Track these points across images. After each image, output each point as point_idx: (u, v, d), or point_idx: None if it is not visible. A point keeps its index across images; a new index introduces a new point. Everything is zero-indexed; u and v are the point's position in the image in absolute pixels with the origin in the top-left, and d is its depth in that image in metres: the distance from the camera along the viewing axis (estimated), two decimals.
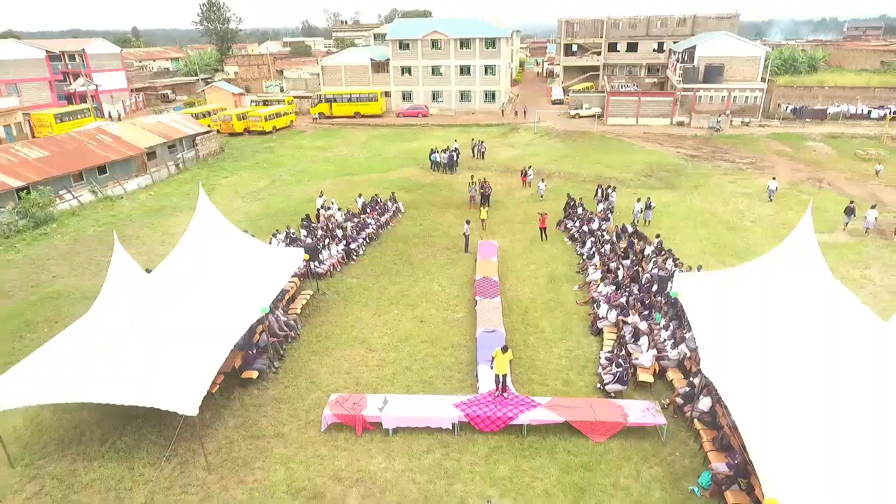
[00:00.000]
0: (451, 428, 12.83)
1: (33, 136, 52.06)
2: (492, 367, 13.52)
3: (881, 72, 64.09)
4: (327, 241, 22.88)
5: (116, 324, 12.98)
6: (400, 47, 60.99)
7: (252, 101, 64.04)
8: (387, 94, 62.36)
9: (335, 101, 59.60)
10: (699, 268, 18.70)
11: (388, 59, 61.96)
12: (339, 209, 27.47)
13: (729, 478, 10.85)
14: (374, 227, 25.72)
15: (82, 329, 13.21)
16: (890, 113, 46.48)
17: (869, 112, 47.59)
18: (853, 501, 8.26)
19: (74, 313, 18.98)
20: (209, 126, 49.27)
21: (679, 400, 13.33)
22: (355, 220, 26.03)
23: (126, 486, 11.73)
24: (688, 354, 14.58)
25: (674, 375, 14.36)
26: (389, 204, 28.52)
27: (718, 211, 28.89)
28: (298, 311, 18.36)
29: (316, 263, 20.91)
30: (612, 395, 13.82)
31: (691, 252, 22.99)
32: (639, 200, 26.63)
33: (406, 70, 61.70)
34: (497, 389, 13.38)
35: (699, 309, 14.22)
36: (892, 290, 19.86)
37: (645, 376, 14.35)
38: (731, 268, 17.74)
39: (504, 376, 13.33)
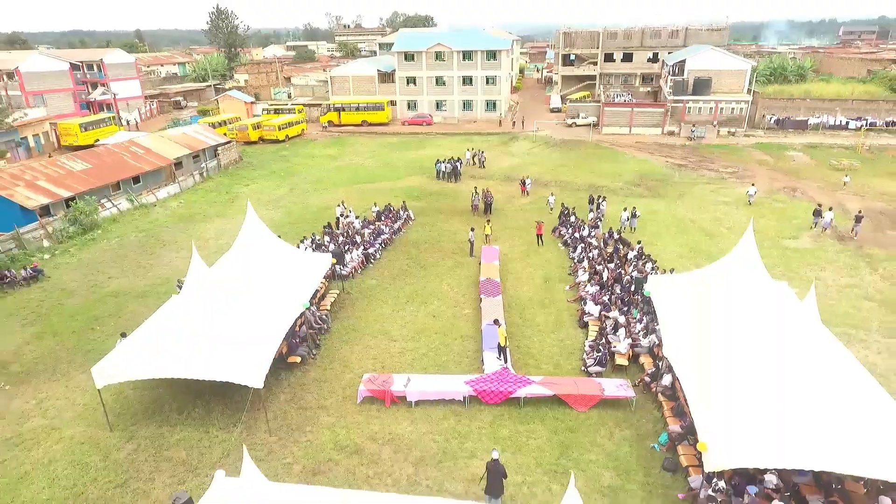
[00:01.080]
0: (462, 400, 15.88)
1: (59, 145, 55.30)
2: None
3: (867, 80, 66.70)
4: (348, 246, 25.94)
5: (192, 316, 15.98)
6: (405, 58, 64.03)
7: (263, 110, 67.02)
8: (392, 103, 65.38)
9: (343, 109, 62.70)
10: (671, 271, 21.73)
11: (394, 70, 65.01)
12: (357, 217, 30.51)
13: (681, 435, 13.90)
14: (389, 233, 28.75)
15: (164, 320, 16.23)
16: (866, 124, 49.55)
17: (847, 123, 50.66)
18: (759, 443, 11.26)
19: (134, 309, 22.22)
20: (225, 134, 52.35)
21: (647, 378, 16.38)
22: (371, 227, 29.07)
23: (205, 445, 14.77)
24: (657, 343, 17.61)
25: (645, 360, 17.41)
26: (401, 212, 31.56)
27: (699, 219, 31.90)
28: (328, 308, 21.42)
29: (340, 266, 23.95)
30: (593, 375, 16.87)
31: (670, 257, 25.98)
32: (625, 210, 29.68)
33: (411, 80, 64.72)
34: (498, 356, 16.96)
35: (666, 305, 17.24)
36: (839, 289, 22.85)
37: (621, 360, 17.41)
38: (692, 271, 20.75)
39: (503, 346, 16.78)
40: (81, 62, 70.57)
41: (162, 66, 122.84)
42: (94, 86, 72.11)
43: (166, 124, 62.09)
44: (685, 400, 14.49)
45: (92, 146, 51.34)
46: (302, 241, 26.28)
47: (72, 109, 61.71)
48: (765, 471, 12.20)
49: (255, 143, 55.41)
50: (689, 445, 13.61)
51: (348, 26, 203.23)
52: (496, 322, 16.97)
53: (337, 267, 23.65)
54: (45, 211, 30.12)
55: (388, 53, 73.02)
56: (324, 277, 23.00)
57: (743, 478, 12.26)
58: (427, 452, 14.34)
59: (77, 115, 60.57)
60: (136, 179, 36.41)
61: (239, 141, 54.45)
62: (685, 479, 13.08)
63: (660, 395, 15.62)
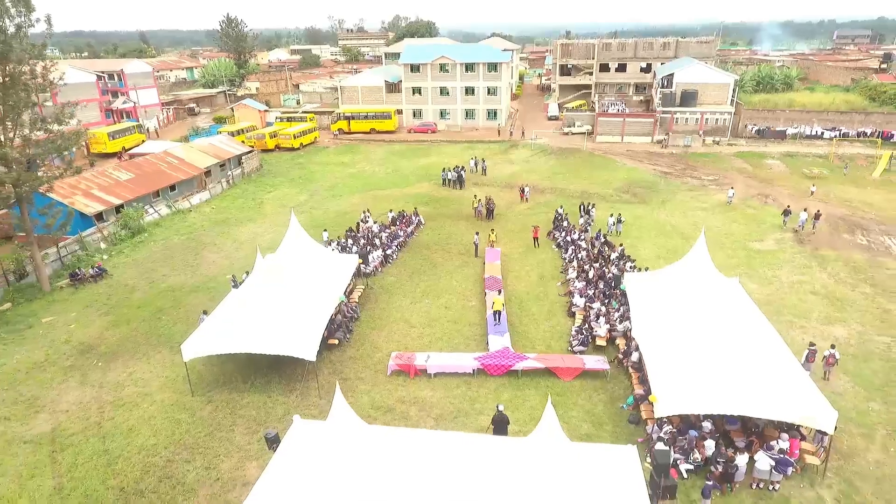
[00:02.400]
0: (471, 373, 19.83)
1: (88, 153, 59.14)
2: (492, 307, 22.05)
3: (850, 88, 69.89)
4: (369, 248, 29.86)
5: (256, 304, 19.91)
6: (411, 70, 67.95)
7: (277, 118, 70.83)
8: (399, 111, 69.30)
9: (353, 118, 66.61)
10: (646, 269, 25.65)
11: (401, 80, 68.93)
12: (375, 222, 34.44)
13: (643, 396, 17.82)
14: (403, 236, 32.66)
15: (232, 308, 20.16)
16: (839, 135, 53.48)
17: (822, 133, 54.59)
18: (697, 396, 15.17)
19: (191, 302, 26.13)
20: (243, 142, 56.20)
21: (620, 355, 20.33)
22: (387, 231, 32.98)
23: (269, 406, 18.70)
24: (630, 327, 21.50)
25: (620, 341, 21.35)
26: (413, 217, 35.47)
27: (678, 223, 35.74)
28: (356, 300, 25.35)
29: (364, 266, 27.86)
30: (577, 353, 20.81)
31: (649, 257, 29.81)
32: (612, 215, 33.62)
33: (417, 90, 68.64)
34: (496, 321, 21.69)
35: (637, 297, 21.18)
36: (791, 285, 26.72)
37: (601, 342, 21.36)
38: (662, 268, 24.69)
39: (498, 312, 21.64)
40: (103, 72, 74.48)
41: (171, 70, 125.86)
42: (115, 94, 76.01)
43: (187, 132, 65.85)
44: (648, 371, 18.41)
45: (118, 154, 55.61)
46: (329, 244, 30.19)
47: (98, 118, 65.62)
48: (703, 419, 16.12)
49: (271, 150, 59.19)
50: (648, 404, 17.52)
51: (351, 30, 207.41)
52: (499, 292, 21.28)
53: (362, 266, 27.56)
54: (99, 216, 34.00)
55: (395, 63, 76.95)
56: (352, 275, 26.99)
57: (686, 424, 16.18)
58: (445, 411, 18.28)
59: (103, 124, 64.47)
60: (172, 187, 40.31)
61: (256, 148, 58.28)
62: (644, 429, 17.00)
63: (629, 367, 19.55)
